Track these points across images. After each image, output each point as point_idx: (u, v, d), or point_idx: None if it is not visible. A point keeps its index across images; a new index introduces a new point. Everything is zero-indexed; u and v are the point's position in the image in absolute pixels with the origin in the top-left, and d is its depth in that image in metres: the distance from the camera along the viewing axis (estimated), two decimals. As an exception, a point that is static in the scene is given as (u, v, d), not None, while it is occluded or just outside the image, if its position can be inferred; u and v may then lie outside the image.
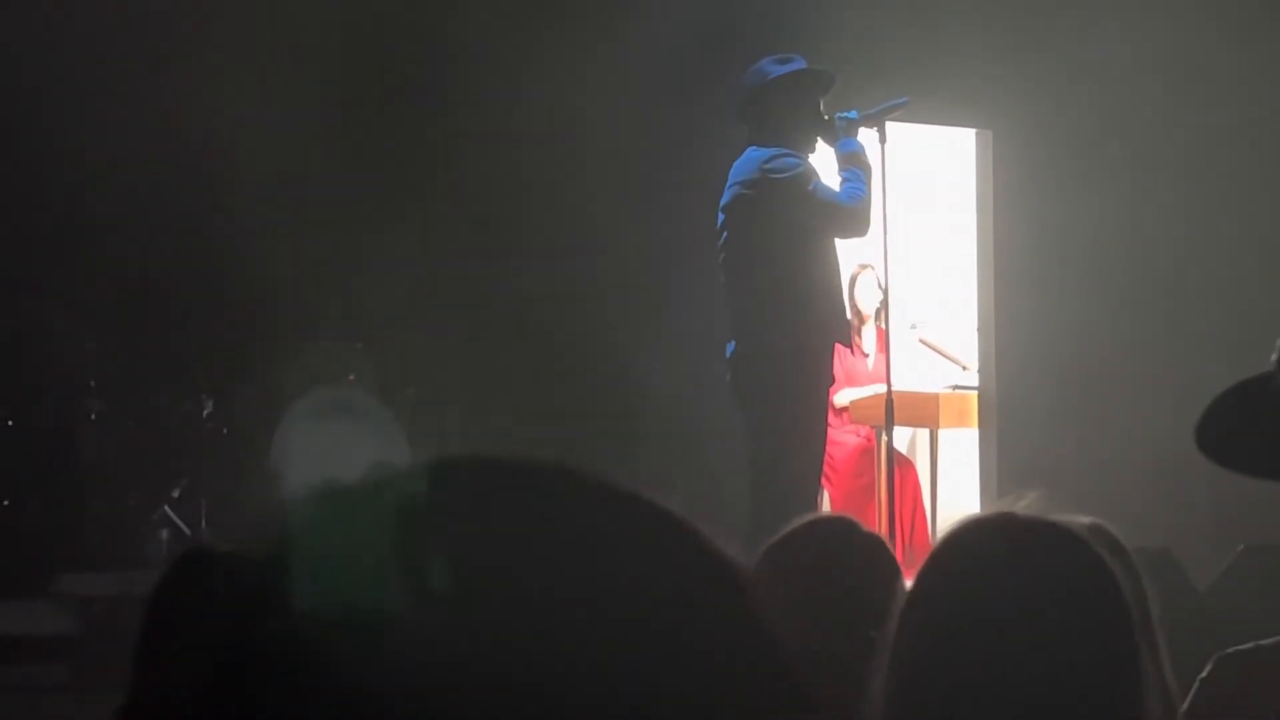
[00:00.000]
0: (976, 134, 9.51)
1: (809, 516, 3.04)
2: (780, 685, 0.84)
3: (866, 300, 9.54)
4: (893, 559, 2.95)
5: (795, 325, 6.72)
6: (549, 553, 0.83)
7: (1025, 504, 1.94)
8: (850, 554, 2.80)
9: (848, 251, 8.41)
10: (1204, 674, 2.49)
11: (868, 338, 9.64)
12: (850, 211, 6.83)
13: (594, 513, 0.86)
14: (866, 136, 7.05)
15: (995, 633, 1.84)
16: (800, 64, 6.95)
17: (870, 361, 9.55)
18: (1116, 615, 1.88)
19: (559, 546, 0.83)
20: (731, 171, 6.89)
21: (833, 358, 7.00)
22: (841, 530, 2.95)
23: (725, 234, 6.87)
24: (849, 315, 9.49)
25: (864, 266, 9.40)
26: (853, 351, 8.17)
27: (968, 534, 1.94)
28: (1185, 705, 2.38)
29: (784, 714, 0.84)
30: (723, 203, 6.90)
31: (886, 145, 7.11)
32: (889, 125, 7.14)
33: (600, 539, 0.85)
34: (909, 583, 2.00)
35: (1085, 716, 1.83)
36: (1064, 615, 1.86)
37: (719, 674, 0.82)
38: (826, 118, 7.00)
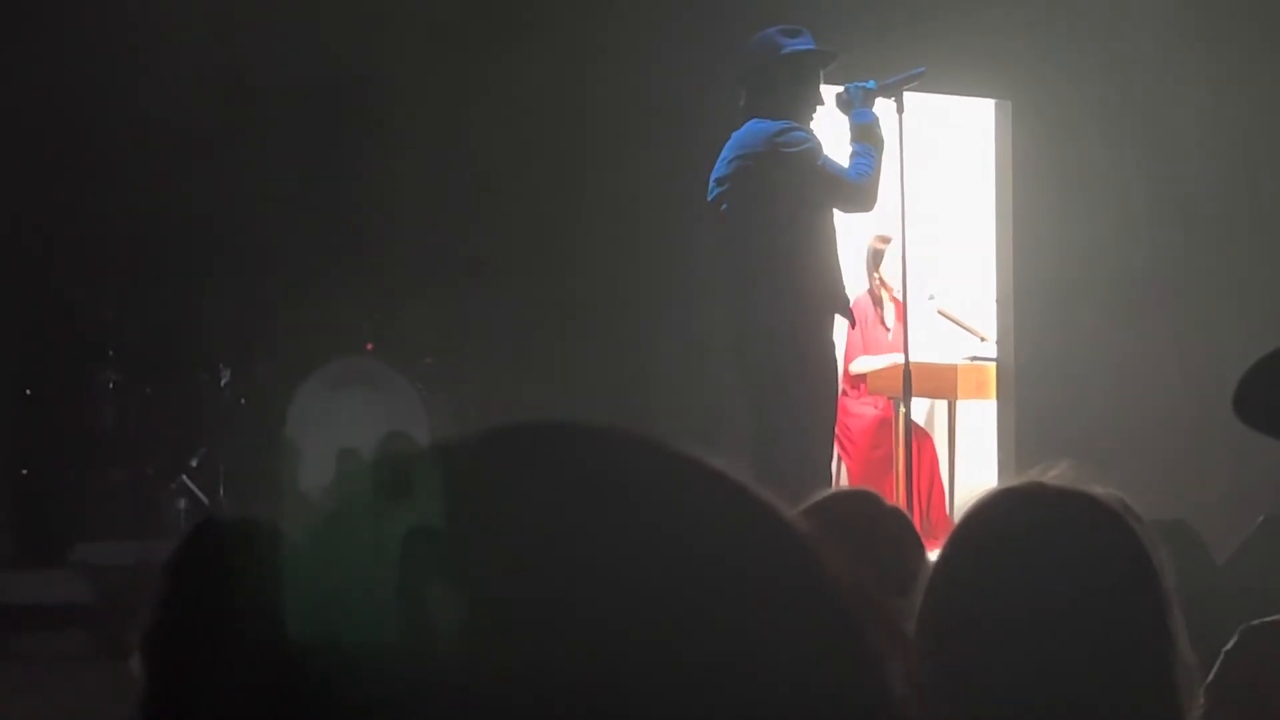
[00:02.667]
0: (995, 104, 9.48)
1: (831, 490, 3.03)
2: (853, 651, 0.84)
3: (890, 273, 9.52)
4: (915, 532, 2.94)
5: (799, 298, 6.69)
6: (617, 523, 0.81)
7: (1054, 474, 1.93)
8: (874, 527, 2.79)
9: (867, 223, 8.40)
10: (1229, 646, 2.48)
11: (888, 309, 9.63)
12: (857, 188, 6.80)
13: (661, 480, 0.85)
14: (883, 106, 7.03)
15: (1024, 601, 1.83)
16: (808, 41, 6.90)
17: (891, 334, 9.55)
18: (1147, 585, 1.87)
19: (626, 516, 0.82)
20: (731, 144, 6.83)
21: (833, 329, 6.98)
22: (865, 503, 2.94)
23: (725, 205, 6.81)
24: (873, 286, 9.53)
25: (887, 238, 9.38)
26: (853, 325, 8.15)
27: (997, 502, 1.93)
28: (1210, 678, 2.36)
29: (859, 682, 0.83)
30: (721, 174, 6.82)
31: (904, 115, 7.08)
32: (906, 95, 7.11)
33: (670, 507, 0.83)
34: (933, 554, 1.99)
35: (1114, 686, 1.82)
36: (1094, 585, 1.85)
37: (793, 643, 0.81)
38: (842, 89, 6.98)
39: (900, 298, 9.46)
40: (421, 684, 0.77)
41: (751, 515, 0.85)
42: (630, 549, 0.80)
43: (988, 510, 1.93)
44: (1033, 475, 1.93)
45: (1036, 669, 1.81)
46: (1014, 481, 1.95)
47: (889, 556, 2.61)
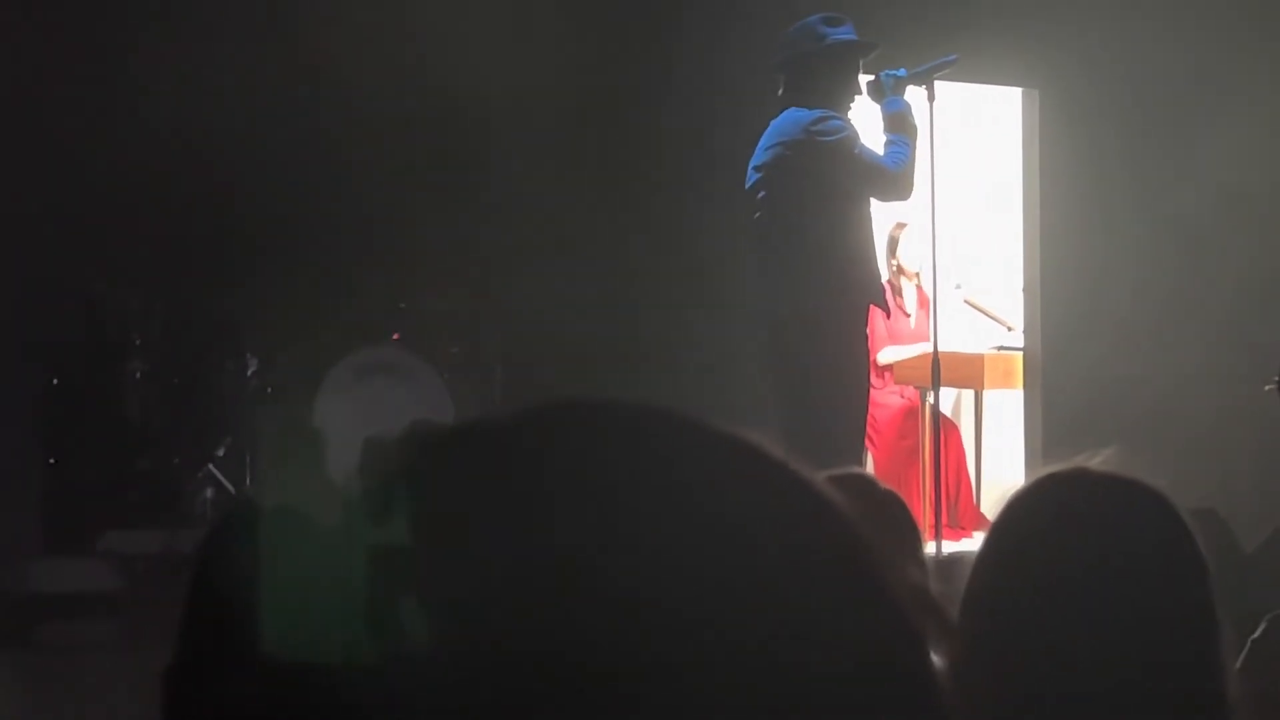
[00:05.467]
0: (1023, 93, 9.46)
1: (826, 473, 3.01)
2: (895, 626, 0.84)
3: (909, 258, 9.52)
4: (912, 516, 2.94)
5: (837, 287, 6.69)
6: (658, 498, 0.81)
7: (1100, 461, 1.92)
8: (871, 509, 2.78)
9: (888, 210, 8.38)
10: (1256, 635, 2.48)
11: (909, 297, 9.61)
12: (894, 176, 6.81)
13: (699, 455, 0.85)
14: (914, 95, 7.02)
15: (1071, 585, 1.83)
16: (850, 31, 6.89)
17: (913, 321, 9.53)
18: (1194, 569, 1.86)
19: (666, 491, 0.82)
20: (769, 131, 6.84)
21: (867, 319, 6.98)
22: (860, 486, 2.93)
23: (762, 194, 6.81)
24: (891, 274, 9.51)
25: (903, 225, 9.38)
26: (888, 314, 8.13)
27: (1043, 487, 1.92)
28: (1237, 665, 2.36)
29: (901, 652, 0.83)
30: (758, 162, 6.83)
31: (935, 103, 7.07)
32: (937, 83, 7.10)
33: (711, 483, 0.83)
34: (955, 545, 1.99)
35: (1162, 668, 1.82)
36: (1142, 568, 1.84)
37: (836, 617, 0.81)
38: (873, 77, 6.97)
39: (921, 284, 9.46)
40: (447, 663, 0.77)
41: (793, 491, 0.85)
42: (671, 524, 0.80)
43: (1033, 495, 1.92)
44: (1077, 462, 1.93)
45: (1084, 651, 1.81)
46: (1059, 467, 1.94)
47: (886, 539, 2.59)
